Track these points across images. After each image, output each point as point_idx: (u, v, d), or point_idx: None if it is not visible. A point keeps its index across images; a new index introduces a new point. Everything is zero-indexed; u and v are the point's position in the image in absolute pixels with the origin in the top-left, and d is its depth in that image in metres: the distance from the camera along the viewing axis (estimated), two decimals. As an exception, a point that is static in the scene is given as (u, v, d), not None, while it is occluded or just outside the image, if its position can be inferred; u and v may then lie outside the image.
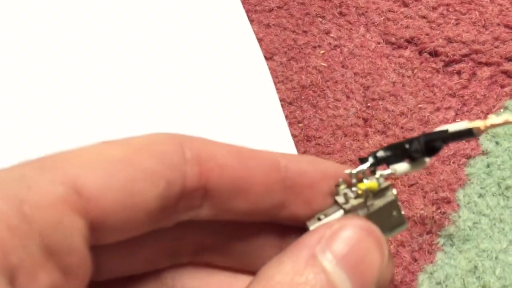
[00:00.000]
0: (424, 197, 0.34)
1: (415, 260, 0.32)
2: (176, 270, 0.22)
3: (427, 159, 0.21)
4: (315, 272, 0.18)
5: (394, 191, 0.21)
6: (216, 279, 0.22)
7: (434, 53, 0.39)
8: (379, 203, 0.20)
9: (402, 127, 0.37)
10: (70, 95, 0.37)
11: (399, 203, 0.21)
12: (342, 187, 0.21)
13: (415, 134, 0.37)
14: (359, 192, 0.20)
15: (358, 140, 0.36)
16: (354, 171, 0.20)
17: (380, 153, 0.21)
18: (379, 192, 0.20)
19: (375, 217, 0.20)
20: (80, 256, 0.16)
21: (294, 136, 0.36)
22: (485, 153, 0.36)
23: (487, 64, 0.39)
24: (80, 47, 0.38)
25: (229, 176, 0.19)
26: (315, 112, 0.38)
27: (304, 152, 0.37)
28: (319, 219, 0.21)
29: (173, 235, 0.21)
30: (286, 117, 0.37)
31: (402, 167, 0.20)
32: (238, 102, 0.37)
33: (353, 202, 0.20)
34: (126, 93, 0.38)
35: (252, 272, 0.21)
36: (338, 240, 0.19)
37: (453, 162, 0.35)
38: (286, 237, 0.22)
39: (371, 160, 0.21)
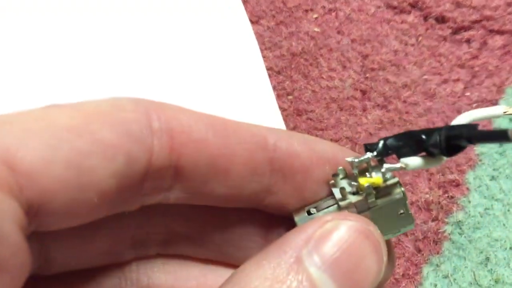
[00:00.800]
0: (430, 179, 0.33)
1: (419, 250, 0.31)
2: (142, 262, 0.21)
3: (445, 158, 0.18)
4: (299, 280, 0.16)
5: (402, 189, 0.18)
6: (188, 273, 0.21)
7: (441, 19, 0.38)
8: (382, 201, 0.18)
9: (404, 101, 0.35)
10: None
11: (407, 203, 0.19)
12: (341, 176, 0.19)
13: (419, 108, 0.35)
14: (360, 187, 0.18)
15: (355, 115, 0.35)
16: (356, 160, 0.18)
17: (391, 141, 0.18)
18: (384, 189, 0.18)
19: (375, 215, 0.18)
20: (13, 247, 0.14)
21: (282, 109, 0.34)
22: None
23: (500, 32, 0.37)
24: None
25: (205, 153, 0.17)
26: (307, 83, 0.36)
27: (294, 128, 0.33)
28: (308, 213, 0.19)
29: (137, 222, 0.20)
30: (274, 88, 0.35)
31: (414, 161, 0.18)
32: (219, 70, 0.35)
33: (352, 198, 0.18)
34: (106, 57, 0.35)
35: (231, 264, 0.21)
36: (329, 242, 0.17)
37: None
38: (272, 227, 0.20)
39: (379, 147, 0.18)
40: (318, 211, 0.19)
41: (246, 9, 0.38)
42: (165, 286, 0.21)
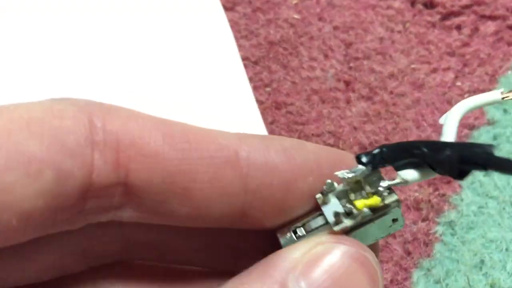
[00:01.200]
0: None
1: (409, 253, 0.29)
2: (98, 273, 0.19)
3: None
4: None
5: (399, 208, 0.17)
6: (151, 283, 0.20)
7: (430, 4, 0.37)
8: (377, 218, 0.17)
9: (391, 92, 0.34)
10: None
11: (401, 214, 0.17)
12: (330, 193, 0.17)
13: (407, 100, 0.34)
14: (356, 212, 0.16)
15: (339, 108, 0.33)
16: (348, 175, 0.16)
17: (388, 152, 0.17)
18: (381, 208, 0.17)
19: (366, 230, 0.17)
20: None
21: (260, 102, 0.33)
22: (491, 122, 0.33)
23: (492, 17, 0.36)
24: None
25: (160, 169, 0.15)
26: (286, 74, 0.34)
27: (273, 123, 0.32)
28: (294, 233, 0.17)
29: (88, 235, 0.18)
30: (251, 79, 0.34)
31: (413, 175, 0.16)
32: (190, 60, 0.34)
33: (346, 222, 0.16)
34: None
35: (203, 273, 0.20)
36: (319, 268, 0.16)
37: None
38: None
39: (376, 158, 0.16)
40: (306, 232, 0.17)
41: (220, -6, 0.36)
42: None
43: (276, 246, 0.17)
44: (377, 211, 0.16)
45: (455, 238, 0.30)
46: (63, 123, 0.15)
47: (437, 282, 0.28)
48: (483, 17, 0.36)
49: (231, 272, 0.17)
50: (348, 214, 0.16)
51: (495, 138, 0.32)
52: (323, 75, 0.34)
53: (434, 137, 0.31)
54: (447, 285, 0.28)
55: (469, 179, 0.31)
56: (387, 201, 0.16)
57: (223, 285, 0.16)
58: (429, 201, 0.30)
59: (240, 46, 0.34)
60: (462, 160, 0.15)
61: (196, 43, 0.34)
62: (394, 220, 0.17)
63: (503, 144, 0.32)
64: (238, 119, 0.31)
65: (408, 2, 0.37)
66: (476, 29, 0.36)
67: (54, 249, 0.18)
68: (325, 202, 0.17)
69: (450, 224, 0.30)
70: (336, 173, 0.16)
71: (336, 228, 0.16)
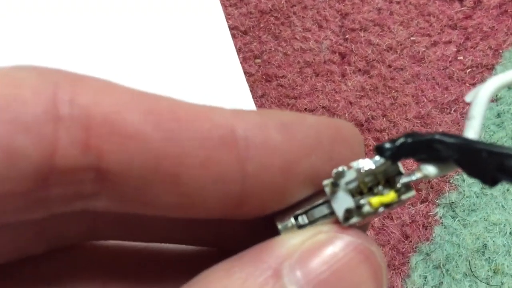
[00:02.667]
0: None
1: (407, 237, 0.28)
2: (62, 255, 0.17)
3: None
4: None
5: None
6: (124, 265, 0.18)
7: None
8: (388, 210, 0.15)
9: (389, 65, 0.33)
10: None
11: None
12: (341, 183, 0.15)
13: (406, 74, 0.32)
14: (369, 209, 0.15)
15: (333, 81, 0.31)
16: (365, 167, 0.14)
17: (411, 143, 0.15)
18: (394, 203, 0.15)
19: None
20: None
21: (249, 74, 0.31)
22: (494, 99, 0.31)
23: None
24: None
25: (142, 152, 0.13)
26: (278, 45, 0.32)
27: (263, 96, 0.30)
28: (295, 219, 0.16)
29: (49, 221, 0.16)
30: (239, 50, 0.32)
31: (434, 170, 0.14)
32: (174, 30, 0.31)
33: (355, 219, 0.15)
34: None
35: (183, 242, 0.18)
36: (318, 258, 0.14)
37: (454, 110, 0.31)
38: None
39: (397, 150, 0.14)
40: (309, 220, 0.16)
41: (207, -40, 0.33)
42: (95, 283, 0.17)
43: (272, 230, 0.15)
44: (390, 206, 0.15)
45: (456, 221, 0.29)
46: (19, 92, 0.12)
47: (437, 267, 0.27)
48: None
49: (218, 252, 0.16)
50: (359, 207, 0.15)
51: (498, 115, 0.31)
52: (317, 46, 0.32)
53: (434, 114, 0.30)
54: (447, 270, 0.27)
55: None
56: (403, 197, 0.15)
57: (211, 268, 0.14)
58: (429, 181, 0.29)
59: (228, 15, 0.33)
60: (499, 168, 0.14)
61: (181, 10, 0.32)
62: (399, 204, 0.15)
63: (507, 122, 0.30)
64: (225, 92, 0.29)
65: None
66: (479, 1, 0.34)
67: (10, 229, 0.16)
68: (333, 192, 0.15)
69: (451, 206, 0.29)
70: (352, 164, 0.15)
71: (345, 224, 0.15)
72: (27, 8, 0.33)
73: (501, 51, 0.32)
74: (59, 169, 0.13)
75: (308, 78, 0.31)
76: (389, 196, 0.15)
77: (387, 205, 0.15)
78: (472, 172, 0.14)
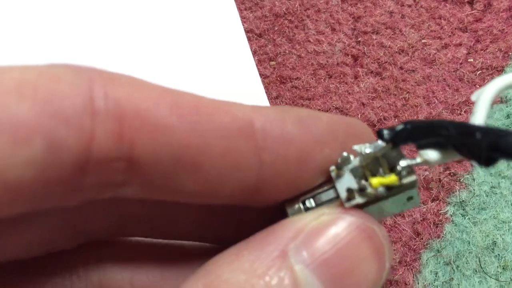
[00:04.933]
0: None
1: (418, 234, 0.28)
2: (91, 252, 0.18)
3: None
4: (281, 276, 0.14)
5: (416, 188, 0.16)
6: (148, 263, 0.18)
7: None
8: (393, 197, 0.16)
9: (401, 68, 0.33)
10: None
11: (418, 193, 0.16)
12: (345, 167, 0.16)
13: (417, 76, 0.32)
14: (371, 190, 0.15)
15: (346, 83, 0.32)
16: (367, 150, 0.15)
17: (412, 129, 0.15)
18: (398, 188, 0.15)
19: (380, 206, 0.16)
20: None
21: (264, 76, 0.31)
22: (504, 100, 0.32)
23: None
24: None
25: (168, 142, 0.14)
26: (292, 47, 0.33)
27: (277, 98, 0.30)
28: (303, 204, 0.16)
29: (80, 211, 0.17)
30: (255, 52, 0.32)
31: (435, 156, 0.15)
32: (192, 33, 0.32)
33: (359, 200, 0.16)
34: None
35: (204, 250, 0.19)
36: (323, 238, 0.15)
37: (464, 111, 0.31)
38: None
39: (398, 134, 0.15)
40: (316, 204, 0.16)
41: (223, -35, 0.34)
42: (121, 282, 0.18)
43: (283, 217, 0.16)
44: (392, 190, 0.15)
45: (466, 218, 0.29)
46: (59, 87, 0.13)
47: (447, 263, 0.27)
48: None
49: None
50: (362, 190, 0.15)
51: (508, 116, 0.31)
52: (330, 49, 0.32)
53: (445, 115, 0.30)
54: (457, 266, 0.27)
55: None
56: (404, 181, 0.15)
57: (221, 253, 0.15)
58: (440, 180, 0.29)
59: (243, 18, 0.33)
60: (492, 147, 0.14)
61: (198, 14, 0.33)
62: (409, 199, 0.16)
63: None
64: (241, 94, 0.30)
65: None
66: (489, 4, 0.34)
67: (43, 223, 0.16)
68: (339, 176, 0.16)
69: (461, 204, 0.29)
70: (354, 147, 0.15)
71: (347, 205, 0.15)
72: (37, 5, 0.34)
73: (510, 53, 0.33)
74: (95, 159, 0.14)
75: (322, 80, 0.31)
76: (390, 178, 0.15)
77: (388, 188, 0.15)
78: (469, 154, 0.15)
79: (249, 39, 0.32)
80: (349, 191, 0.16)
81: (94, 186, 0.15)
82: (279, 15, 0.33)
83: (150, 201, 0.17)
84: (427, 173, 0.29)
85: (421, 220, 0.28)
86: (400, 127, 0.15)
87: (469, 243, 0.28)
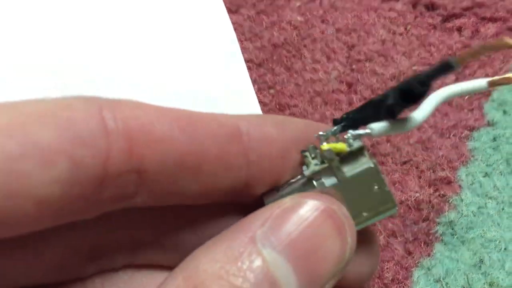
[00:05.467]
0: (420, 177, 0.31)
1: (409, 253, 0.29)
2: (106, 276, 0.19)
3: (415, 118, 0.17)
4: (252, 260, 0.15)
5: (371, 159, 0.18)
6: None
7: (431, 6, 0.37)
8: (350, 171, 0.18)
9: None
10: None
11: (382, 174, 0.18)
12: (311, 154, 0.18)
13: None
14: (321, 153, 0.17)
15: (341, 109, 0.33)
16: (322, 133, 0.17)
17: (355, 113, 0.18)
18: (351, 157, 0.17)
19: (348, 191, 0.18)
20: None
21: (264, 104, 0.33)
22: (491, 124, 0.33)
23: (492, 19, 0.36)
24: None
25: (171, 152, 0.16)
26: (290, 76, 0.34)
27: None
28: (277, 191, 0.18)
29: (95, 231, 0.18)
30: (254, 81, 0.34)
31: (379, 126, 0.17)
32: (195, 63, 0.33)
33: (315, 168, 0.17)
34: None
35: None
36: (287, 222, 0.16)
37: (453, 135, 0.33)
38: None
39: (344, 119, 0.18)
40: (290, 192, 0.18)
41: (224, -3, 0.36)
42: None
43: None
44: (346, 160, 0.17)
45: (455, 238, 0.30)
46: (75, 115, 0.15)
47: (437, 281, 0.28)
48: (484, 19, 0.36)
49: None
50: (315, 157, 0.17)
51: (494, 139, 0.32)
52: (326, 77, 0.34)
53: (434, 138, 0.32)
54: (447, 283, 0.28)
55: (469, 180, 0.31)
56: (353, 148, 0.17)
57: (200, 246, 0.17)
58: (430, 201, 0.30)
59: (244, 49, 0.34)
60: (404, 90, 0.16)
61: (200, 45, 0.34)
62: (377, 190, 0.17)
63: (503, 145, 0.32)
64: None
65: (409, 4, 0.36)
66: (476, 31, 0.36)
67: (60, 245, 0.18)
68: (305, 162, 0.18)
69: (450, 224, 0.30)
70: (314, 135, 0.17)
71: (306, 173, 0.17)
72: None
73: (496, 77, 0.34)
74: (111, 174, 0.15)
75: (318, 106, 0.33)
76: (339, 144, 0.17)
77: (342, 157, 0.17)
78: (384, 116, 0.17)
79: (249, 68, 0.33)
80: (305, 157, 0.17)
81: (110, 199, 0.16)
82: (277, 45, 0.35)
83: (158, 223, 0.19)
84: (417, 194, 0.30)
85: (412, 240, 0.29)
86: (344, 115, 0.18)
87: (457, 261, 0.29)
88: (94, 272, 0.19)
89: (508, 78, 0.17)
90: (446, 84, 0.31)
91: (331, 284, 0.17)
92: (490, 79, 0.18)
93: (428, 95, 0.18)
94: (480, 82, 0.18)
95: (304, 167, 0.18)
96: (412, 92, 0.16)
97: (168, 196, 0.17)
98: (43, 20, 0.35)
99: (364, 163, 0.17)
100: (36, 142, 0.14)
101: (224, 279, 0.15)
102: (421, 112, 0.18)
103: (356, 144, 0.17)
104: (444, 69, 0.16)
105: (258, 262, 0.15)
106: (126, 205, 0.17)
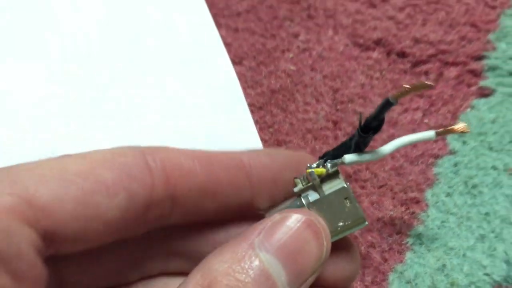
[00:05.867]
0: (393, 198, 0.34)
1: (386, 260, 0.32)
2: (146, 282, 0.22)
3: (378, 152, 0.21)
4: (252, 261, 0.18)
5: (343, 179, 0.20)
6: None
7: (402, 54, 0.39)
8: (328, 190, 0.21)
9: None
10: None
11: (352, 193, 0.21)
12: (301, 182, 0.21)
13: (384, 136, 0.37)
14: (306, 175, 0.20)
15: (328, 143, 0.36)
16: (313, 165, 0.21)
17: (333, 151, 0.22)
18: (329, 179, 0.21)
19: (326, 207, 0.20)
20: (30, 263, 0.16)
21: (264, 141, 0.36)
22: (452, 152, 0.35)
23: (454, 64, 0.39)
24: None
25: (195, 181, 0.19)
26: (285, 116, 0.37)
27: None
28: (274, 207, 0.21)
29: (140, 245, 0.21)
30: (256, 122, 0.36)
31: (350, 156, 0.21)
32: (206, 108, 0.36)
33: (301, 186, 0.21)
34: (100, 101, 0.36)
35: None
36: (278, 232, 0.19)
37: (421, 162, 0.35)
38: None
39: (326, 156, 0.21)
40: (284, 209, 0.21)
41: (229, 51, 0.39)
42: None
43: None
44: (324, 181, 0.20)
45: (423, 247, 0.32)
46: (127, 159, 0.18)
47: (408, 282, 0.30)
48: (447, 63, 0.38)
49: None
50: (302, 180, 0.21)
51: (455, 165, 0.34)
52: (315, 116, 0.36)
53: (405, 166, 0.35)
54: (416, 284, 0.30)
55: (434, 199, 0.34)
56: (330, 172, 0.20)
57: (207, 256, 0.19)
58: (402, 218, 0.33)
59: (247, 94, 0.37)
60: (362, 129, 0.20)
61: (210, 92, 0.36)
62: (346, 199, 0.20)
63: (462, 170, 0.34)
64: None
65: (384, 53, 0.39)
66: (441, 74, 0.38)
67: (115, 256, 0.21)
68: (295, 184, 0.21)
69: (419, 236, 0.32)
70: (308, 169, 0.21)
71: (296, 189, 0.21)
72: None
73: (458, 113, 0.37)
74: (154, 201, 0.18)
75: (309, 141, 0.36)
76: (320, 169, 0.20)
77: (321, 178, 0.20)
78: (353, 150, 0.20)
79: (251, 111, 0.36)
80: (295, 178, 0.20)
81: (153, 219, 0.19)
82: (275, 91, 0.38)
83: (188, 239, 0.21)
84: (392, 213, 0.33)
85: (388, 250, 0.32)
86: (328, 152, 0.22)
87: (424, 265, 0.31)
88: (137, 278, 0.21)
89: (452, 129, 0.20)
90: (415, 120, 0.36)
91: (313, 277, 0.19)
92: (437, 130, 0.20)
93: (391, 139, 0.22)
94: (429, 134, 0.21)
95: (295, 188, 0.21)
96: (369, 126, 0.20)
97: (194, 214, 0.20)
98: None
99: (339, 183, 0.21)
100: (103, 181, 0.17)
101: (231, 275, 0.18)
102: (383, 150, 0.22)
103: (333, 169, 0.20)
104: (386, 105, 0.19)
105: (256, 262, 0.18)
106: (163, 223, 0.20)
